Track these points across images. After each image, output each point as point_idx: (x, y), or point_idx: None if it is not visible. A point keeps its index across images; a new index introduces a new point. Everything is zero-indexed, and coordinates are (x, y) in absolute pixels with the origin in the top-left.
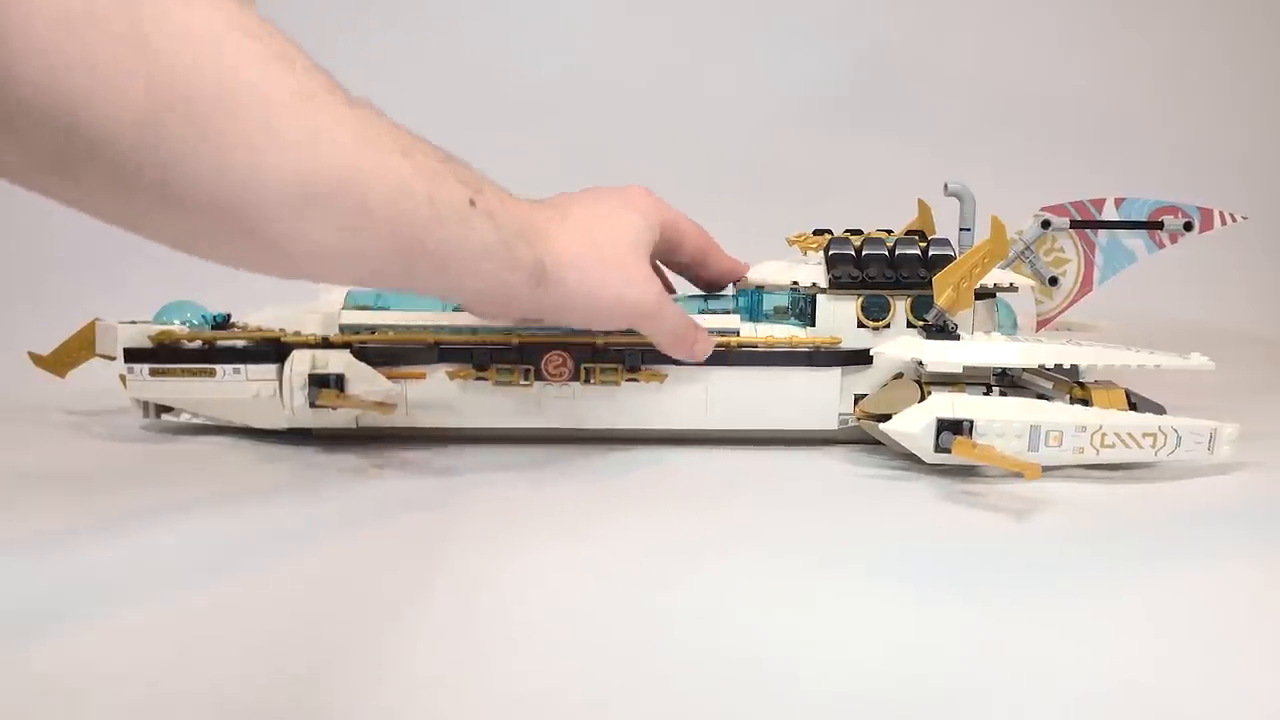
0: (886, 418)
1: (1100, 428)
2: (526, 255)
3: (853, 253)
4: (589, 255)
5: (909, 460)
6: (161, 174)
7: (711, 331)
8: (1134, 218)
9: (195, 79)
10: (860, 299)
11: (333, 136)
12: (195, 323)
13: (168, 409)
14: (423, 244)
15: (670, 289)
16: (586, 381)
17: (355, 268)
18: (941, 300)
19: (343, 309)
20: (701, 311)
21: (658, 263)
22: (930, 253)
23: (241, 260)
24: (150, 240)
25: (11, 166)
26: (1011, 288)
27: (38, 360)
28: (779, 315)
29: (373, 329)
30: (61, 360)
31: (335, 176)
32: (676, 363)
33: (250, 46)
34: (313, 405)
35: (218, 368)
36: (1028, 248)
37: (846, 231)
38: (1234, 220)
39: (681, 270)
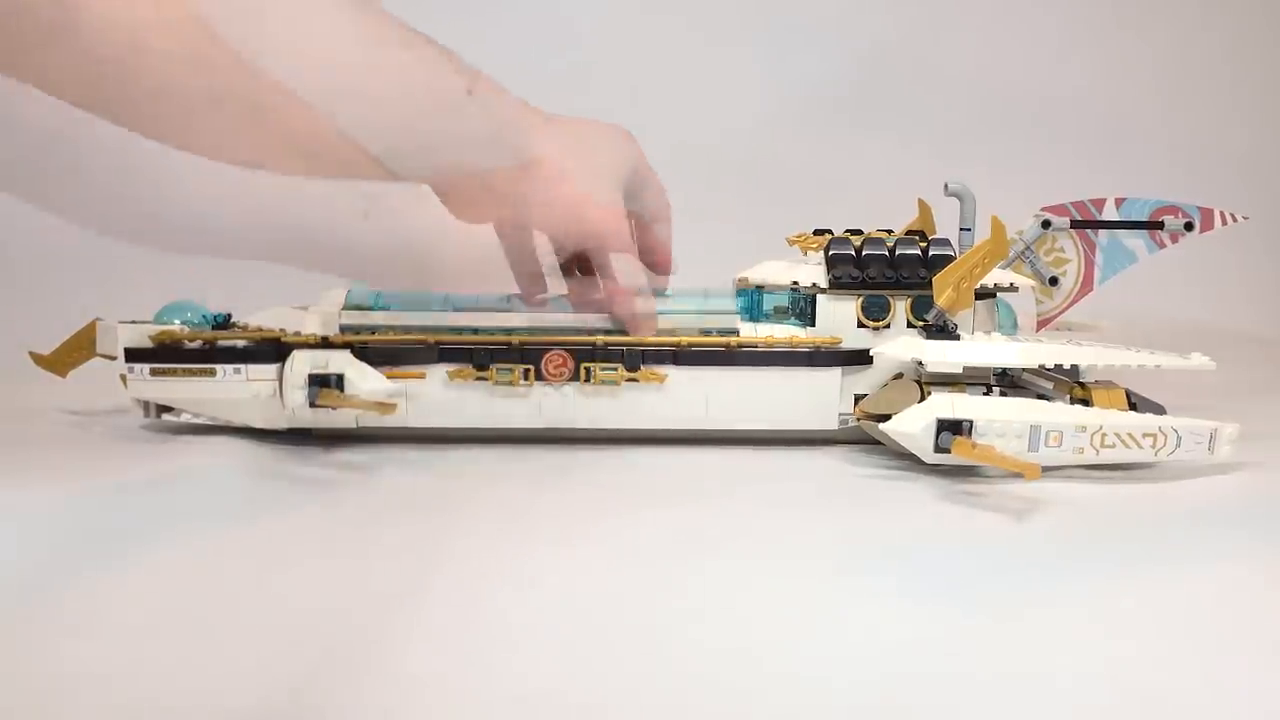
0: (886, 418)
1: (1100, 428)
2: (515, 145)
3: (853, 253)
4: (573, 157)
5: (909, 460)
6: (196, 75)
7: (710, 332)
8: (1134, 218)
9: None
10: (860, 299)
11: (352, 35)
12: (196, 323)
13: (168, 409)
14: (421, 131)
15: (667, 260)
16: (586, 381)
17: (350, 161)
18: (941, 300)
19: (343, 309)
20: (701, 311)
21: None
22: (930, 253)
23: (244, 154)
24: (156, 139)
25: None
26: (1012, 288)
27: (39, 360)
28: (779, 315)
29: (373, 329)
30: (62, 360)
31: (345, 67)
32: (676, 363)
33: None
34: (313, 405)
35: (218, 367)
36: (1028, 248)
37: (847, 231)
38: (1235, 220)
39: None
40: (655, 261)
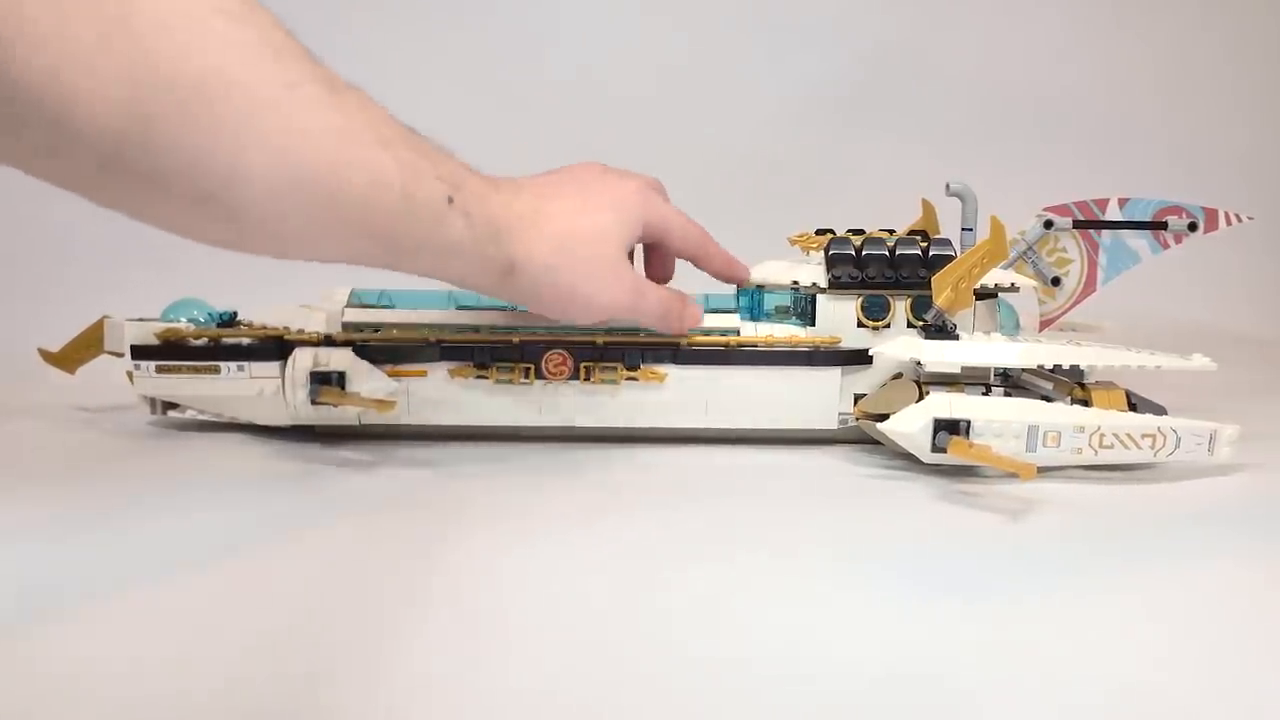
0: (885, 417)
1: (1099, 428)
2: (497, 255)
3: (853, 252)
4: (558, 253)
5: (908, 460)
6: (147, 160)
7: (711, 331)
8: (1138, 218)
9: (179, 66)
10: (860, 299)
11: (314, 128)
12: (202, 320)
13: (174, 405)
14: (395, 236)
15: (667, 277)
16: (587, 380)
17: (337, 252)
18: (940, 300)
19: (346, 307)
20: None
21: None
22: (931, 253)
23: (230, 242)
24: (140, 222)
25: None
26: (1013, 288)
27: (47, 357)
28: (780, 315)
29: (375, 327)
30: (71, 357)
31: (313, 169)
32: (676, 362)
33: (234, 32)
34: (315, 402)
35: (222, 365)
36: (1030, 248)
37: (849, 231)
38: (1239, 220)
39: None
40: (730, 277)
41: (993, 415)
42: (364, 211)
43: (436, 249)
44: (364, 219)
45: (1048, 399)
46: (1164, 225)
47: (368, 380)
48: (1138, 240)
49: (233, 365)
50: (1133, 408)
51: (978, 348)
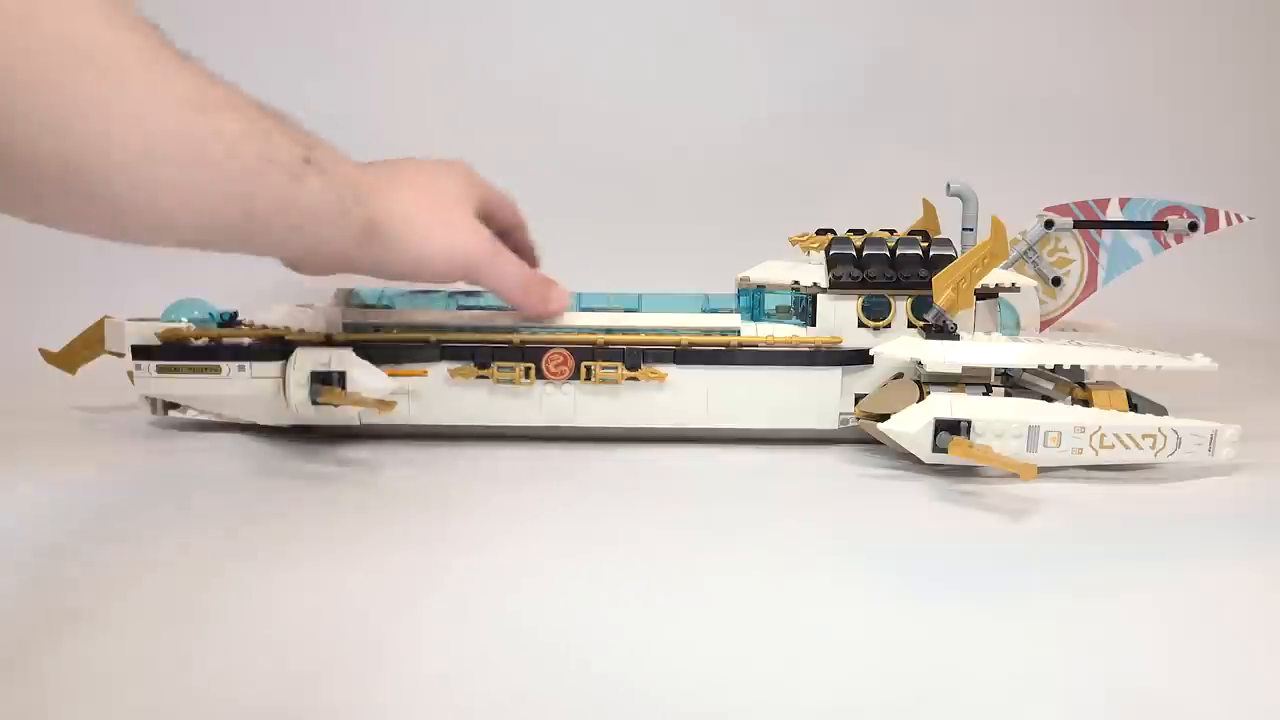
0: (886, 417)
1: (1099, 429)
2: (357, 213)
3: (854, 252)
4: (416, 209)
5: (908, 460)
6: (6, 130)
7: (711, 331)
8: (1139, 218)
9: (39, 35)
10: (861, 299)
11: (173, 96)
12: (202, 320)
13: (175, 405)
14: (253, 198)
15: (533, 261)
16: (587, 380)
17: (193, 223)
18: (941, 300)
19: (346, 307)
20: (703, 310)
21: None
22: (931, 253)
23: (78, 222)
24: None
25: None
26: (1014, 288)
27: (48, 357)
28: (780, 315)
29: (376, 327)
30: (71, 357)
31: (176, 135)
32: (676, 362)
33: (91, 3)
34: (315, 402)
35: (223, 364)
36: (1031, 248)
37: (850, 231)
38: (1240, 220)
39: None
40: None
41: (993, 415)
42: (225, 177)
43: (297, 211)
44: (225, 185)
45: (1048, 399)
46: (1165, 225)
47: (368, 380)
48: (1139, 240)
49: (233, 365)
50: (1133, 408)
51: (978, 348)
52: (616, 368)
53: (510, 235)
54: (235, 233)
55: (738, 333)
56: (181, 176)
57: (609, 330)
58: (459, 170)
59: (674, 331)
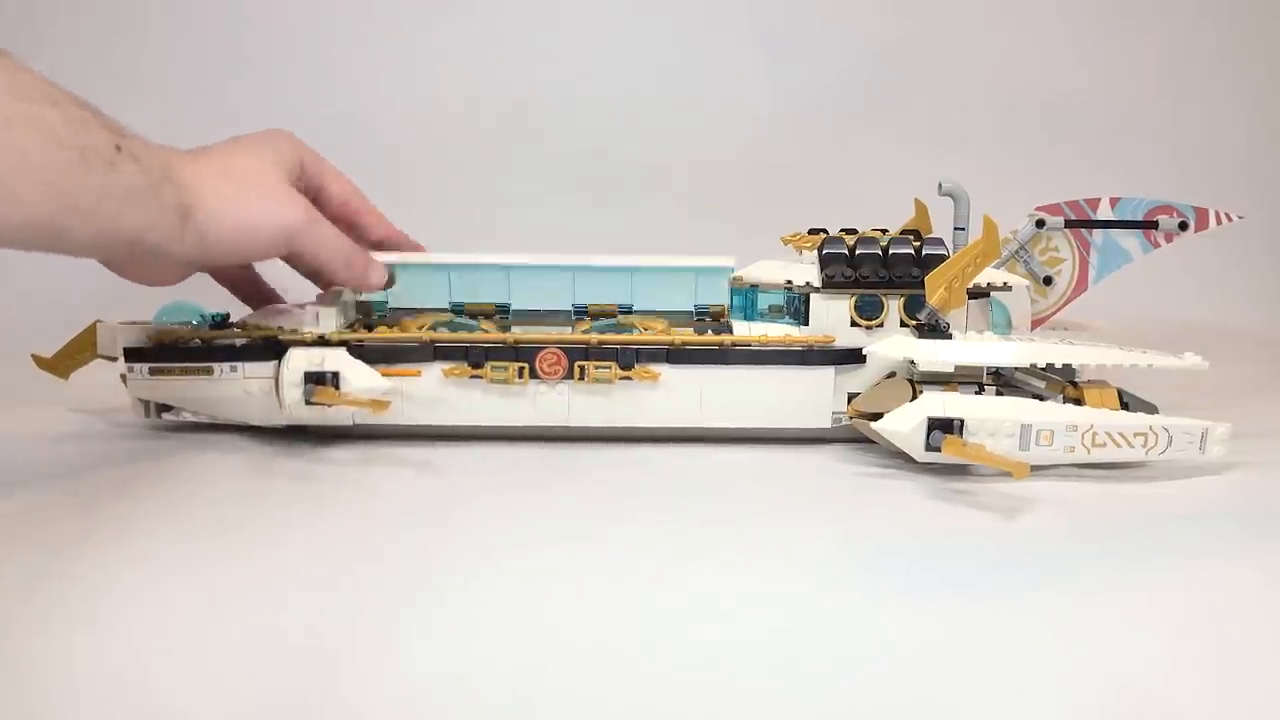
0: (879, 416)
1: (1091, 427)
2: (172, 195)
3: (846, 252)
4: (225, 181)
5: (901, 459)
6: None
7: (705, 331)
8: (1129, 217)
9: None
10: (854, 298)
11: None
12: (194, 322)
13: (168, 408)
14: (73, 192)
15: (381, 229)
16: (581, 380)
17: (10, 222)
18: (933, 300)
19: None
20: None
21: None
22: (924, 252)
23: None
24: None
25: None
26: (1006, 287)
27: (41, 362)
28: (773, 314)
29: (369, 326)
30: (64, 362)
31: None
32: (670, 362)
33: None
34: (309, 403)
35: (215, 366)
36: (1022, 247)
37: (842, 231)
38: (1230, 220)
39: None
40: (368, 223)
41: (986, 414)
42: (42, 168)
43: (116, 197)
44: (42, 177)
45: (1040, 398)
46: (1155, 224)
47: (362, 380)
48: (1129, 239)
49: (226, 366)
50: (1125, 406)
51: (971, 347)
52: (610, 367)
53: (346, 204)
54: (55, 227)
55: (731, 332)
56: (3, 171)
57: (603, 330)
58: (274, 139)
59: (667, 331)
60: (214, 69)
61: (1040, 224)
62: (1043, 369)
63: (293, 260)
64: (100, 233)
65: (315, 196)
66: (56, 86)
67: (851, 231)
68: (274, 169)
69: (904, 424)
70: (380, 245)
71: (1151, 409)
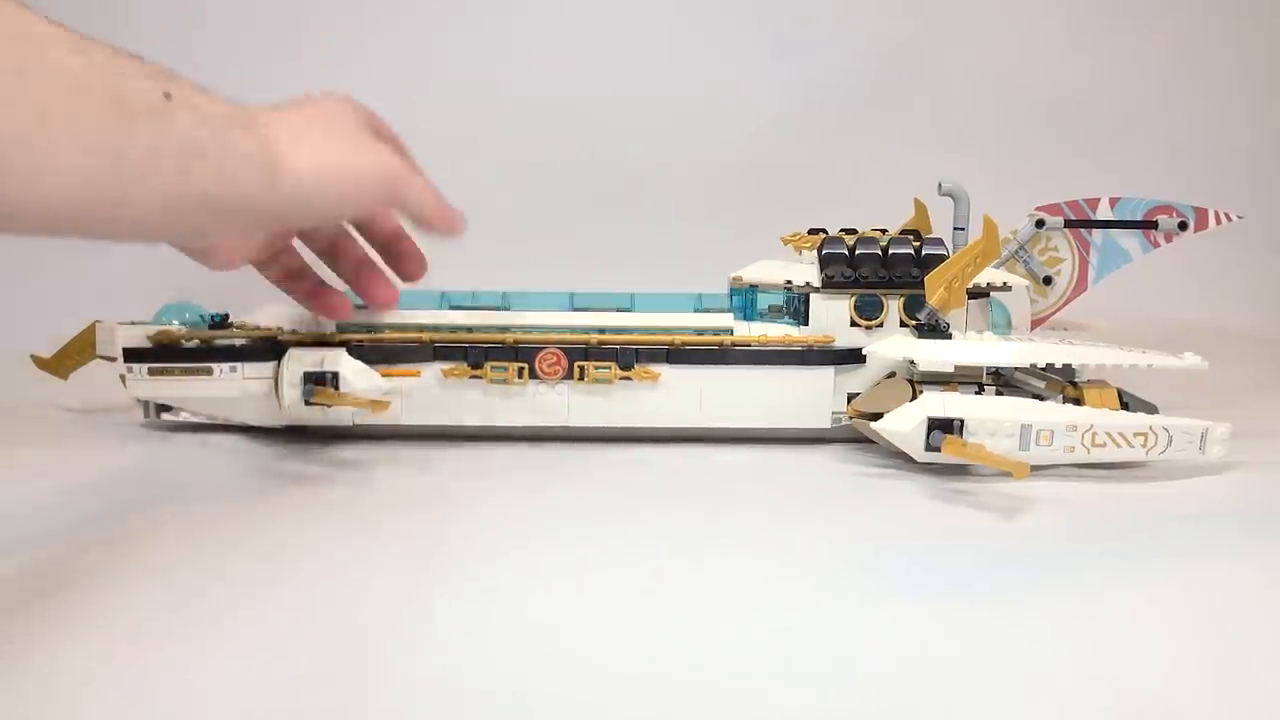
0: (879, 416)
1: (1091, 427)
2: (247, 141)
3: (846, 252)
4: (315, 130)
5: (900, 459)
6: None
7: (704, 331)
8: (1129, 217)
9: None
10: (853, 298)
11: None
12: (194, 322)
13: (167, 408)
14: (119, 151)
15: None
16: (580, 380)
17: (57, 186)
18: (933, 300)
19: None
20: (696, 309)
21: None
22: (924, 252)
23: None
24: None
25: None
26: (1005, 287)
27: (40, 362)
28: (773, 314)
29: (369, 327)
30: (63, 362)
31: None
32: (670, 362)
33: None
34: (309, 403)
35: (215, 366)
36: (1022, 247)
37: (842, 231)
38: (1229, 220)
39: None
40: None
41: (986, 414)
42: (69, 127)
43: (176, 152)
44: (72, 138)
45: (1040, 398)
46: (1154, 224)
47: (361, 380)
48: (1129, 239)
49: (225, 366)
50: (1125, 406)
51: (971, 347)
52: (610, 367)
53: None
54: (109, 198)
55: (730, 332)
56: (36, 124)
57: (602, 330)
58: (341, 96)
59: (667, 331)
60: (213, 69)
61: (1040, 224)
62: (1043, 369)
63: (369, 232)
64: (168, 198)
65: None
66: (83, 36)
67: (851, 231)
68: (355, 119)
69: (904, 424)
70: (422, 211)
71: (1151, 409)
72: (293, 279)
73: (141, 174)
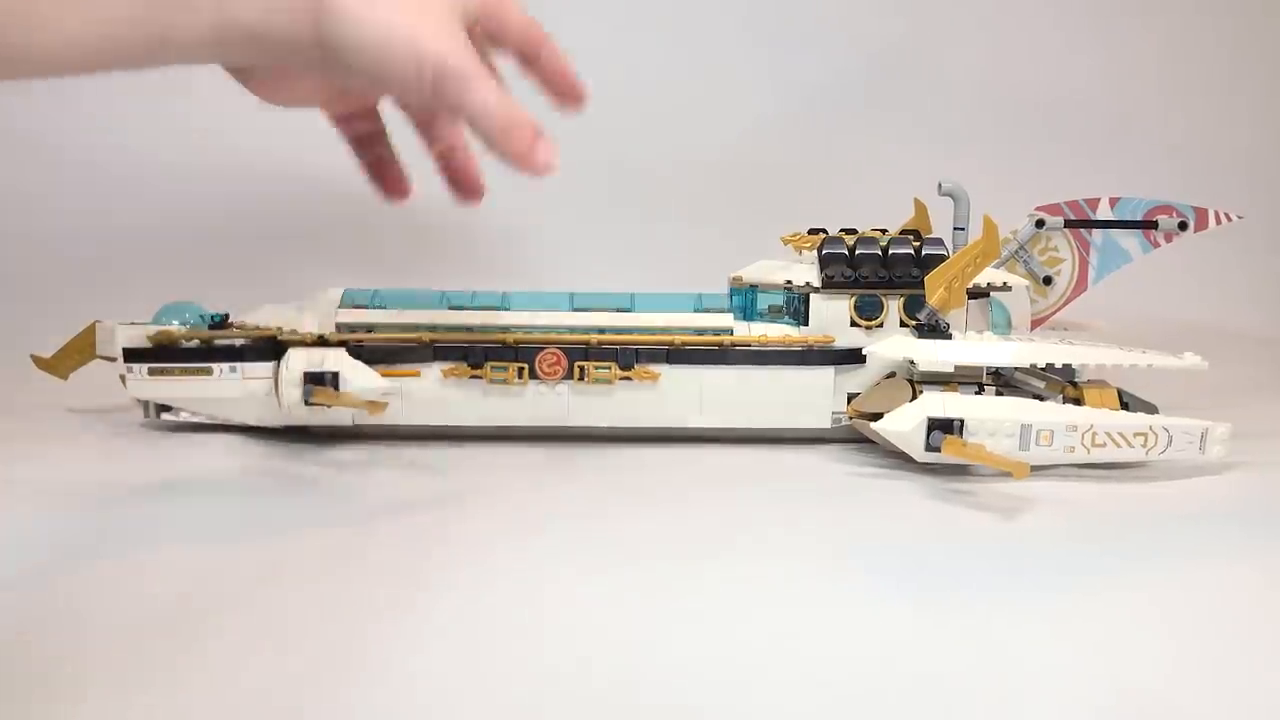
0: (879, 416)
1: (1091, 427)
2: None
3: (846, 252)
4: None
5: (900, 459)
6: None
7: (704, 331)
8: (1129, 217)
9: None
10: (853, 298)
11: None
12: (194, 322)
13: (167, 408)
14: None
15: (578, 96)
16: (580, 380)
17: (88, 18)
18: (933, 300)
19: (339, 307)
20: (696, 309)
21: None
22: (924, 252)
23: None
24: None
25: None
26: (1005, 287)
27: (40, 362)
28: (773, 314)
29: (368, 327)
30: (63, 362)
31: None
32: (669, 362)
33: None
34: (308, 403)
35: (214, 366)
36: (1022, 247)
37: (842, 231)
38: (1229, 220)
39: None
40: (561, 90)
41: (986, 414)
42: None
43: None
44: None
45: (1040, 398)
46: (1154, 224)
47: (361, 380)
48: (1129, 239)
49: (225, 366)
50: (1124, 406)
51: (971, 347)
52: (610, 368)
53: (527, 32)
54: (157, 21)
55: (730, 332)
56: None
57: (602, 330)
58: None
59: (667, 331)
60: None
61: (1040, 224)
62: (1043, 369)
63: (424, 125)
64: (214, 27)
65: (495, 32)
66: None
67: (851, 231)
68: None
69: (904, 424)
70: (560, 82)
71: (1151, 409)
72: (361, 144)
73: (186, 4)
